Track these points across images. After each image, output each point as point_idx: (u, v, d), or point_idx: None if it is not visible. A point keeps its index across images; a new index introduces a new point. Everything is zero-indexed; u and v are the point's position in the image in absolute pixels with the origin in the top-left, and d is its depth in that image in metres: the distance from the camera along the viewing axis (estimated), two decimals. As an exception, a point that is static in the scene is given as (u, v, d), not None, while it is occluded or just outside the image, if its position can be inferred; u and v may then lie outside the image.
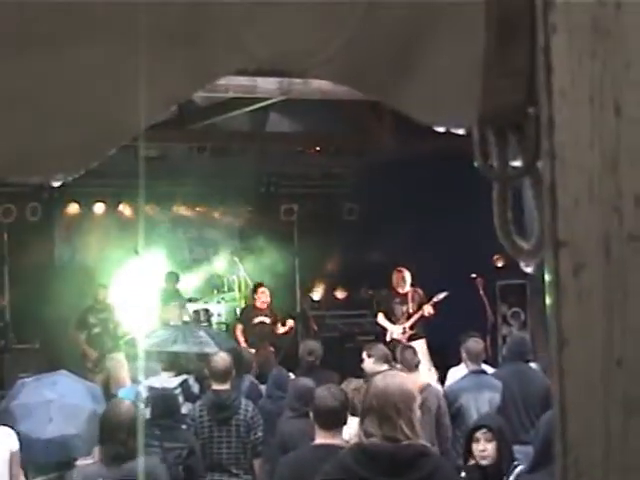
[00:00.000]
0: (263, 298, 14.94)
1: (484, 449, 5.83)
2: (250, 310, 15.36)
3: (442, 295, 14.23)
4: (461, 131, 1.53)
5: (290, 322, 15.22)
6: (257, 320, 14.92)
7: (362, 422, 4.56)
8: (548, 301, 1.24)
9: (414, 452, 4.53)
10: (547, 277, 1.24)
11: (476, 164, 1.48)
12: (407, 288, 14.72)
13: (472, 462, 5.83)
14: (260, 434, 8.26)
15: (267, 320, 14.93)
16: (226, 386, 8.47)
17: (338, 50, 1.48)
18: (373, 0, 1.53)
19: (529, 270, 1.46)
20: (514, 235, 1.45)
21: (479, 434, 5.89)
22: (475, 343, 9.85)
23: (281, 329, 14.99)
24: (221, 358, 8.83)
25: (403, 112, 1.55)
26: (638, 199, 1.22)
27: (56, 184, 1.78)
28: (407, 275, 14.79)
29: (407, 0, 1.54)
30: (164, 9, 1.52)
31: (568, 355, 1.21)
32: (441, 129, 1.56)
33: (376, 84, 1.58)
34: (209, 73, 1.63)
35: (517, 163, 1.45)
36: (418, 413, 4.66)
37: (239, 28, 1.47)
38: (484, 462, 5.81)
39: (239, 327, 15.15)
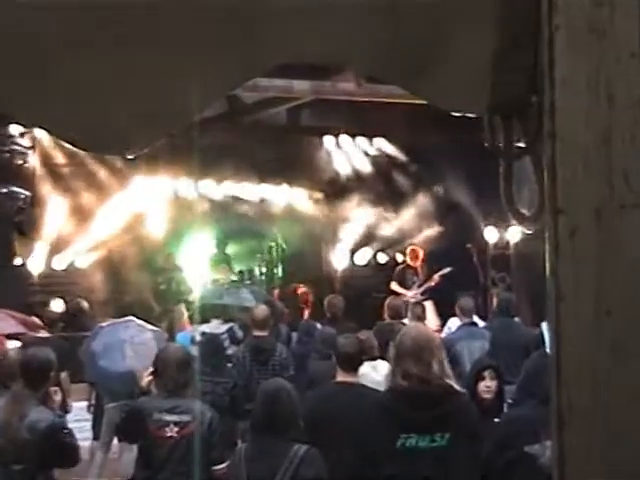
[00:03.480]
0: (302, 297, 14.94)
1: (490, 385, 5.77)
2: (290, 296, 15.36)
3: (447, 270, 14.30)
4: (473, 116, 1.49)
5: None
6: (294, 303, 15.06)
7: (398, 364, 4.51)
8: (547, 261, 1.20)
9: (443, 391, 4.51)
10: (547, 240, 1.20)
11: (485, 144, 1.44)
12: (418, 263, 14.85)
13: (477, 396, 5.76)
14: (292, 372, 8.22)
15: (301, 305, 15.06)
16: (265, 332, 8.44)
17: (373, 47, 1.43)
18: (400, 7, 1.49)
19: (530, 231, 1.42)
20: (517, 204, 1.41)
21: (486, 373, 5.83)
22: (467, 300, 9.83)
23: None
24: (261, 309, 8.79)
25: (425, 100, 1.51)
26: (627, 174, 1.18)
27: (129, 157, 1.75)
28: (420, 253, 14.91)
29: (429, 7, 1.50)
30: (218, 6, 1.48)
31: (564, 307, 1.17)
32: (456, 114, 1.52)
33: (403, 76, 1.54)
34: (261, 65, 1.59)
35: (520, 144, 1.41)
36: (444, 355, 4.64)
37: (289, 25, 1.43)
38: (488, 396, 5.75)
39: (276, 293, 15.07)
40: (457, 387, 4.75)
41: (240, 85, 2.02)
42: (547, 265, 1.20)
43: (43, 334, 9.31)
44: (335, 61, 1.48)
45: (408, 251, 15.15)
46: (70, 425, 9.17)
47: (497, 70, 1.38)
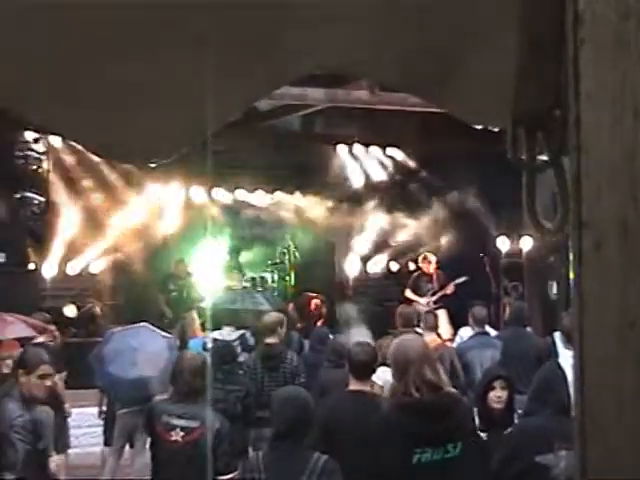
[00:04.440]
0: (315, 306, 14.72)
1: (501, 395, 5.74)
2: (304, 307, 15.16)
3: (462, 279, 14.18)
4: (496, 129, 1.50)
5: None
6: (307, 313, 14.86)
7: (408, 374, 4.47)
8: (572, 273, 1.20)
9: (449, 400, 4.50)
10: (571, 252, 1.20)
11: (509, 157, 1.44)
12: (432, 270, 14.73)
13: (488, 406, 5.74)
14: (303, 380, 8.20)
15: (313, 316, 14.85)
16: (276, 340, 8.43)
17: (397, 58, 1.44)
18: (422, 19, 1.49)
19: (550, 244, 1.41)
20: (539, 216, 1.42)
21: (496, 383, 5.79)
22: (480, 309, 9.80)
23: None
24: (271, 316, 8.79)
25: (448, 111, 1.51)
26: (652, 187, 1.18)
27: (152, 166, 1.76)
28: (433, 260, 14.80)
29: (452, 20, 1.50)
30: (243, 21, 1.49)
31: (587, 319, 1.18)
32: (479, 127, 1.52)
33: (426, 88, 1.54)
34: (282, 76, 1.59)
35: (543, 157, 1.41)
36: (439, 364, 4.64)
37: (309, 37, 1.44)
38: (498, 406, 5.73)
39: (291, 305, 14.84)
40: (460, 395, 4.76)
41: (265, 95, 2.03)
42: (571, 278, 1.21)
43: (47, 338, 9.28)
44: (358, 72, 1.49)
45: (420, 258, 15.06)
46: (81, 430, 9.27)
47: (521, 83, 1.38)
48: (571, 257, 1.18)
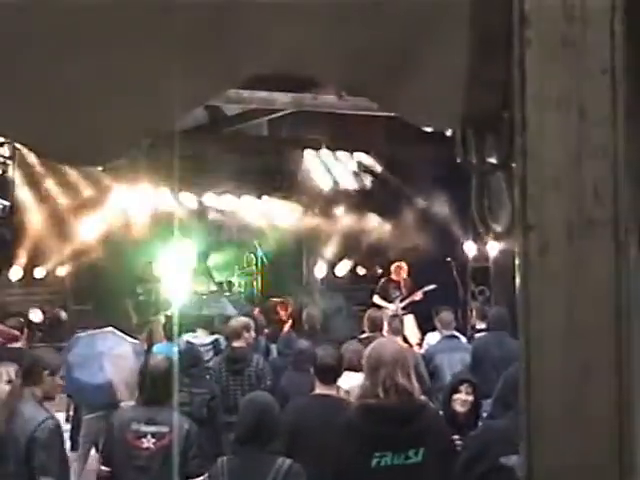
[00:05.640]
0: (282, 311, 14.60)
1: (466, 399, 5.78)
2: (271, 312, 15.03)
3: (431, 287, 14.19)
4: (446, 131, 1.48)
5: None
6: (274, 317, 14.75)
7: (378, 375, 4.47)
8: (517, 277, 1.19)
9: (415, 406, 4.49)
10: (517, 256, 1.19)
11: (458, 160, 1.43)
12: (402, 277, 14.75)
13: (452, 409, 5.77)
14: (269, 383, 8.18)
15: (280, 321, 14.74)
16: (241, 343, 8.41)
17: (342, 59, 1.42)
18: (372, 20, 1.48)
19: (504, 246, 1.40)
20: (488, 219, 1.40)
21: (462, 387, 5.84)
22: (446, 314, 9.81)
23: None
24: (237, 320, 8.79)
25: (397, 114, 1.50)
26: (596, 189, 1.17)
27: (103, 168, 1.72)
28: (404, 269, 14.81)
29: (401, 20, 1.49)
30: (195, 17, 1.47)
31: (533, 322, 1.17)
32: (429, 129, 1.51)
33: (374, 90, 1.53)
34: (234, 74, 1.57)
35: (492, 160, 1.40)
36: (413, 370, 4.64)
37: (259, 37, 1.42)
38: (462, 409, 5.76)
39: (257, 310, 14.75)
40: (428, 402, 4.75)
41: (213, 97, 2.00)
42: (518, 281, 1.19)
43: (18, 345, 9.19)
44: (307, 73, 1.47)
45: (393, 267, 15.09)
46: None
47: (469, 85, 1.37)
48: (516, 260, 1.17)
